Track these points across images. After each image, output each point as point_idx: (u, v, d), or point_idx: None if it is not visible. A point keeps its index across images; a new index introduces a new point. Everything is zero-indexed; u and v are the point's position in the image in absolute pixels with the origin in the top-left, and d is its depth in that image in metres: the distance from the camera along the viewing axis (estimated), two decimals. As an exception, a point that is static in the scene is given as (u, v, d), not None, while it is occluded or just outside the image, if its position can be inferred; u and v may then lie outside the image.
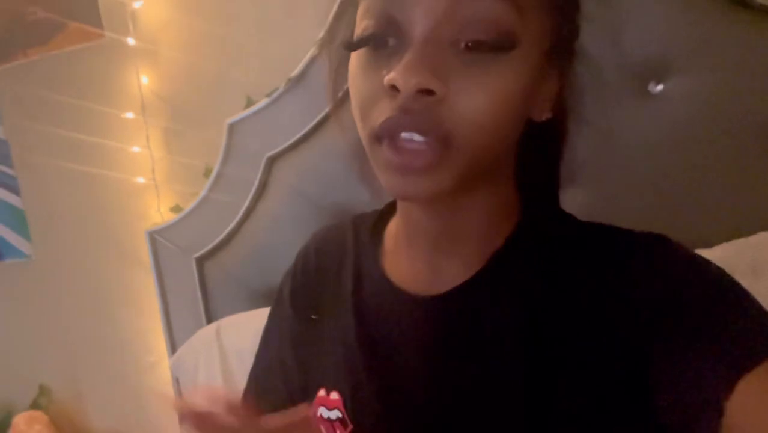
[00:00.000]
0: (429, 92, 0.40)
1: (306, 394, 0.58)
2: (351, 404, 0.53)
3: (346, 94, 0.55)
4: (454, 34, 0.41)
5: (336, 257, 0.62)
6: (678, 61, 0.99)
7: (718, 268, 0.45)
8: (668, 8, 0.98)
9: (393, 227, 0.60)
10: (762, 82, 0.94)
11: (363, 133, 0.45)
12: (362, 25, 0.44)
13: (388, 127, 0.42)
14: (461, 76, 0.40)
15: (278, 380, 0.62)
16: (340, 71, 0.51)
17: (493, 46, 0.41)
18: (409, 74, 0.39)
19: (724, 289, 0.44)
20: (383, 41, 0.43)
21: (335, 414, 0.53)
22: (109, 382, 1.58)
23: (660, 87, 1.01)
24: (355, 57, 0.46)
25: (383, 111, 0.42)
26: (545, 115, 0.48)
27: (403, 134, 0.41)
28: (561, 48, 0.46)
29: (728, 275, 0.45)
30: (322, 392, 0.56)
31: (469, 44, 0.41)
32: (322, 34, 0.87)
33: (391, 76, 0.40)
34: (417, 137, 0.41)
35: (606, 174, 1.03)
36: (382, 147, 0.43)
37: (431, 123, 0.41)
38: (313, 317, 0.60)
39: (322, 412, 0.55)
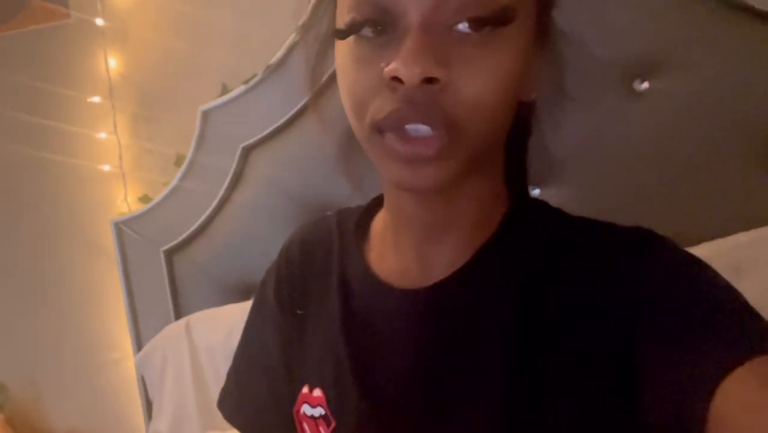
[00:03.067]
0: (433, 81, 0.39)
1: (290, 392, 0.56)
2: (335, 401, 0.52)
3: (326, 85, 0.53)
4: (450, 17, 0.40)
5: (321, 253, 0.60)
6: (663, 60, 0.99)
7: (707, 265, 0.45)
8: (655, 7, 0.98)
9: (379, 221, 0.59)
10: (746, 83, 0.95)
11: (360, 126, 0.44)
12: (351, 15, 0.43)
13: (393, 120, 0.41)
14: (462, 60, 0.40)
15: (261, 380, 0.60)
16: (318, 61, 0.51)
17: (494, 20, 0.40)
18: (412, 64, 0.38)
19: (713, 285, 0.43)
20: (374, 30, 0.42)
21: (318, 411, 0.53)
22: (70, 379, 1.52)
23: (645, 85, 1.01)
24: (345, 49, 0.44)
25: (385, 104, 0.41)
26: (532, 95, 0.48)
27: (408, 126, 0.40)
28: (542, 22, 0.46)
29: (716, 272, 0.44)
30: (305, 389, 0.55)
31: (470, 23, 0.40)
32: (303, 20, 0.83)
33: (392, 67, 0.38)
34: (423, 128, 0.40)
35: (589, 170, 1.03)
36: (385, 138, 0.42)
37: (436, 112, 0.40)
38: (299, 312, 0.58)
39: (306, 409, 0.54)
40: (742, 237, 0.92)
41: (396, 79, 0.39)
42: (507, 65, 0.41)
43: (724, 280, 0.44)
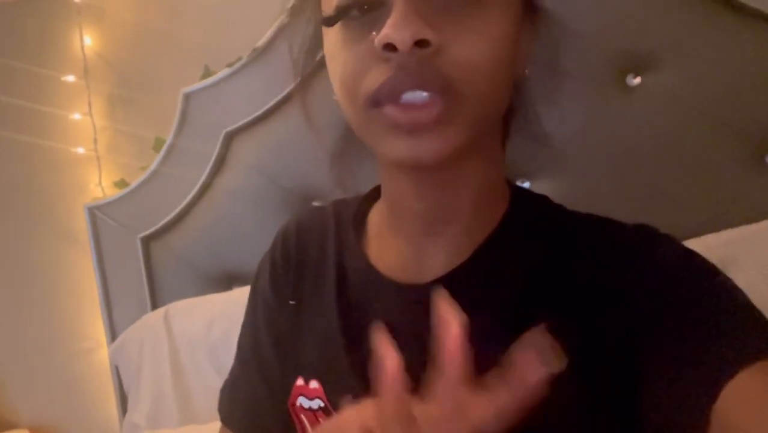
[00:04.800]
0: (424, 43, 0.39)
1: (285, 384, 0.56)
2: (333, 394, 0.52)
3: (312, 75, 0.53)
4: None
5: (317, 243, 0.59)
6: (657, 55, 0.98)
7: (709, 262, 0.45)
8: (649, 2, 0.97)
9: (377, 213, 0.58)
10: (739, 82, 0.95)
11: (354, 106, 0.43)
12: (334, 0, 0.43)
13: (389, 88, 0.40)
14: (451, 23, 0.40)
15: (255, 374, 0.59)
16: (303, 58, 0.52)
17: None
18: (402, 27, 0.38)
19: (717, 286, 0.43)
20: (361, 9, 0.42)
21: (317, 403, 0.52)
22: (37, 369, 1.47)
23: (638, 80, 1.01)
24: (333, 35, 0.44)
25: (379, 75, 0.41)
26: (525, 71, 0.49)
27: (405, 94, 0.40)
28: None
29: (721, 272, 0.44)
30: (300, 381, 0.54)
31: None
32: (293, 1, 0.80)
33: (383, 34, 0.38)
34: (420, 94, 0.40)
35: (579, 163, 1.02)
36: (383, 111, 0.41)
37: (432, 76, 0.40)
38: (291, 302, 0.57)
39: (302, 402, 0.53)
40: (730, 234, 0.93)
41: (388, 47, 0.38)
42: (498, 26, 0.41)
43: (727, 278, 0.44)
